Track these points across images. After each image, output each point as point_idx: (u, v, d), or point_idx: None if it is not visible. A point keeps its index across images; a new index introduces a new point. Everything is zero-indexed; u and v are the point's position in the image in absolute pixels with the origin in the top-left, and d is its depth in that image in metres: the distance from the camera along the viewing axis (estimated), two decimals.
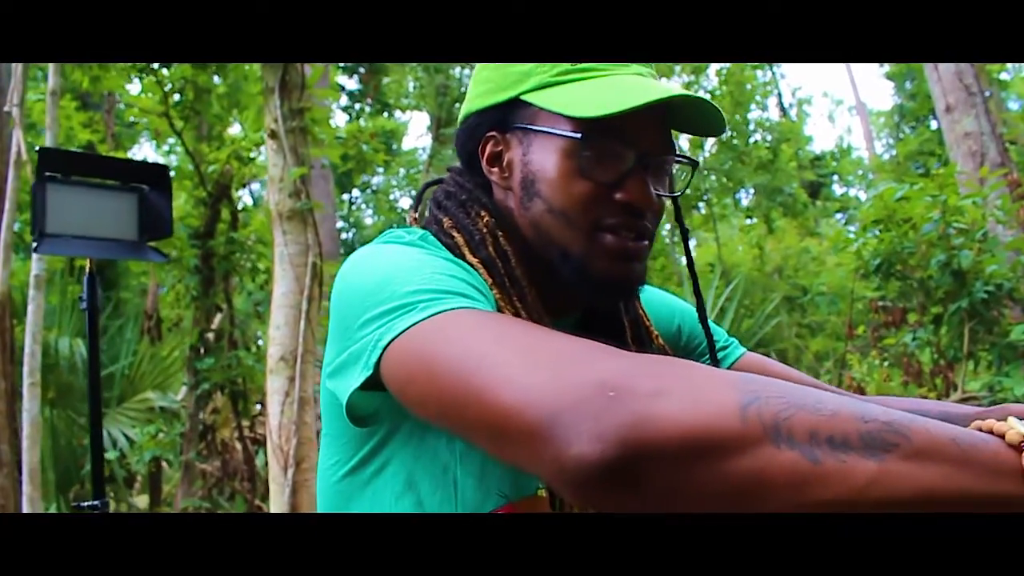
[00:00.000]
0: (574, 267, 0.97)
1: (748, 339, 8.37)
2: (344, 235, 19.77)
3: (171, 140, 7.57)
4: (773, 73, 19.25)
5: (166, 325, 6.96)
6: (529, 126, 0.99)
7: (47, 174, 2.09)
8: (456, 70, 15.53)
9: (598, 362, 0.66)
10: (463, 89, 15.59)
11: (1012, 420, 0.65)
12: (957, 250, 3.84)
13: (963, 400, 4.12)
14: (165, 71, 5.23)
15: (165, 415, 6.24)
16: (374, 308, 0.82)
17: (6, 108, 4.14)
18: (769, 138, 16.03)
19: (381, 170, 19.44)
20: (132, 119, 6.25)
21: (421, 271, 0.85)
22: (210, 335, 5.77)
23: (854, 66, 25.87)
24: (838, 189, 21.03)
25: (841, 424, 0.58)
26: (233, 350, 5.70)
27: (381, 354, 0.79)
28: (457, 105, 14.16)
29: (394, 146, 19.12)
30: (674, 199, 1.11)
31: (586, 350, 0.70)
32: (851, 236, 4.45)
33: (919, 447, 0.58)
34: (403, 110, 18.69)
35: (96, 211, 2.17)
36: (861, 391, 4.18)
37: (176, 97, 5.49)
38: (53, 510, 6.07)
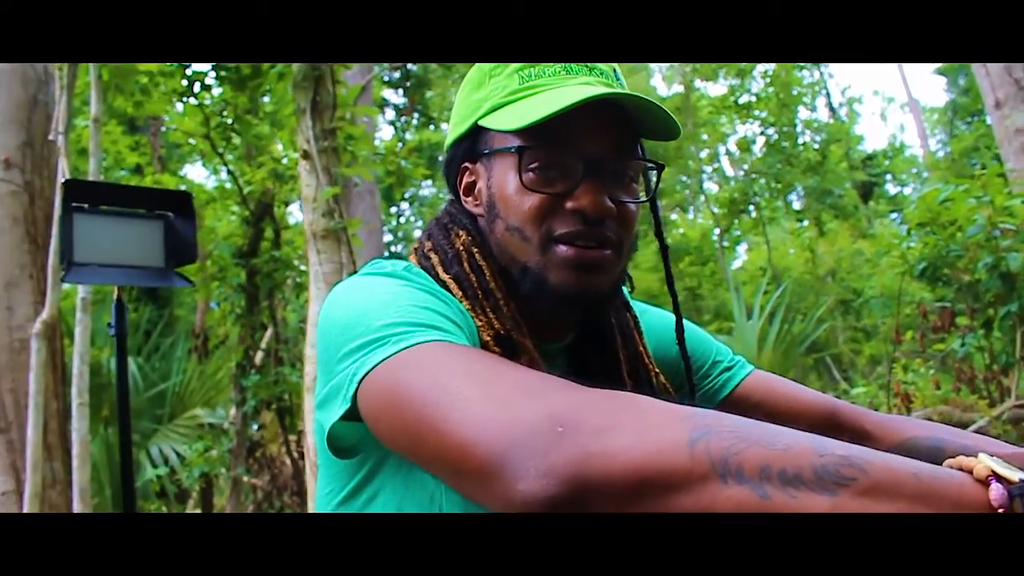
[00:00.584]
0: (532, 280, 0.97)
1: (799, 343, 8.22)
2: (393, 248, 19.93)
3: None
4: (821, 73, 18.94)
5: (213, 342, 7.09)
6: (488, 150, 1.01)
7: (73, 204, 2.14)
8: None
9: (550, 396, 0.67)
10: None
11: (983, 456, 0.63)
12: (1005, 252, 3.72)
13: (1017, 407, 3.98)
14: (207, 93, 5.33)
15: (215, 431, 6.35)
16: (351, 342, 0.83)
17: (51, 136, 4.25)
18: (818, 139, 15.80)
19: (429, 182, 19.57)
20: (177, 142, 6.38)
21: (396, 303, 0.86)
22: (259, 352, 5.86)
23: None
24: (892, 189, 20.61)
25: (794, 459, 0.57)
26: (279, 367, 5.77)
27: (357, 388, 0.80)
28: None
29: (441, 157, 19.22)
30: (653, 207, 1.10)
31: (541, 384, 0.71)
32: (895, 240, 4.34)
33: (877, 481, 0.57)
34: (448, 122, 18.79)
35: (123, 239, 2.21)
36: (908, 399, 4.08)
37: (219, 117, 5.60)
38: None
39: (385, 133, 18.80)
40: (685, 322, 1.28)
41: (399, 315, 0.83)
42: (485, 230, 1.03)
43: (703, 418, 0.61)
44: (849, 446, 0.59)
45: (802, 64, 16.76)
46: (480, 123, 1.00)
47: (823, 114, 18.67)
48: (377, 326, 0.82)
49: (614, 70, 1.05)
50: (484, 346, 0.97)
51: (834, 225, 16.09)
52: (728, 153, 16.60)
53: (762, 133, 14.79)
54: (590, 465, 0.59)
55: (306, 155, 3.82)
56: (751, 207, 15.14)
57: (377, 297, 0.89)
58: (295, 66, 3.80)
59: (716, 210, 15.28)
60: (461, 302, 0.98)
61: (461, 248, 1.03)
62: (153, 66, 4.91)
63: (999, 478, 0.59)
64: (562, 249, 0.95)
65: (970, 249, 4.07)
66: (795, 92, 15.35)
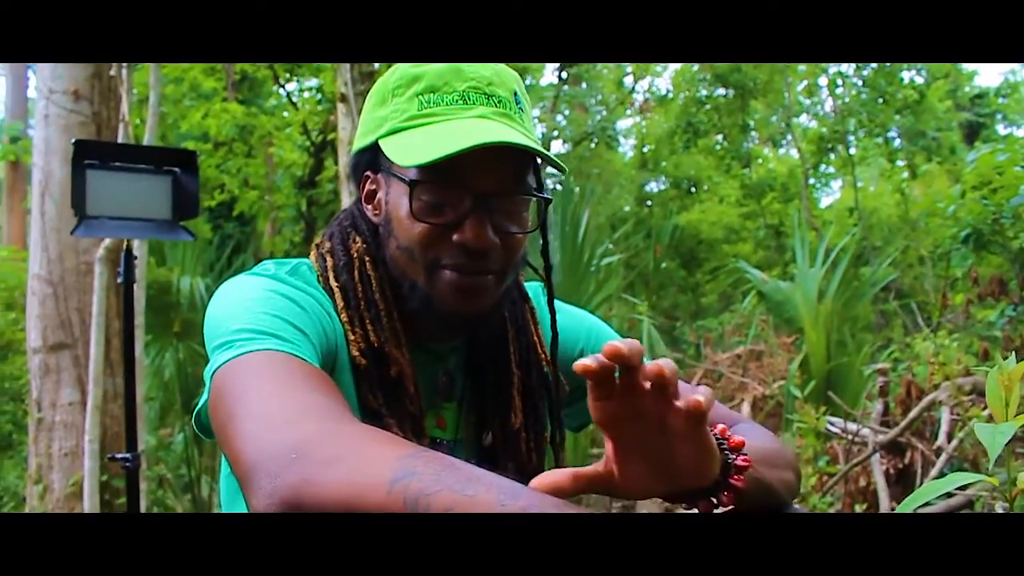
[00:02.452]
0: (419, 298, 1.07)
1: (864, 293, 8.03)
2: None
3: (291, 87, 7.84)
4: None
5: None
6: (388, 169, 1.08)
7: (86, 162, 2.30)
8: None
9: (304, 425, 0.78)
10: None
11: None
12: None
13: None
14: None
15: None
16: (214, 339, 0.96)
17: (111, 72, 4.46)
18: (921, 77, 14.99)
19: None
20: (243, 71, 6.54)
21: (253, 310, 0.98)
22: None
23: None
24: (1003, 130, 19.42)
25: (476, 506, 0.64)
26: None
27: (210, 382, 0.93)
28: None
29: (529, 80, 18.96)
30: (543, 233, 1.17)
31: (307, 412, 0.82)
32: (940, 204, 4.20)
33: None
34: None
35: (133, 193, 2.37)
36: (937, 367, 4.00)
37: None
38: (179, 431, 6.67)
39: None
40: (596, 323, 1.35)
41: (250, 321, 0.95)
42: (380, 238, 1.12)
43: (415, 460, 0.69)
44: (534, 497, 0.66)
45: None
46: (380, 143, 1.07)
47: None
48: (231, 330, 0.94)
49: (514, 93, 1.09)
50: (352, 359, 1.07)
51: (931, 167, 15.38)
52: (831, 83, 15.89)
53: (857, 68, 14.10)
54: (305, 492, 0.70)
55: (343, 98, 3.92)
56: (841, 146, 14.58)
57: (240, 301, 1.00)
58: None
59: (804, 147, 14.79)
60: (341, 314, 1.08)
61: (355, 255, 1.12)
62: None
63: None
64: (447, 274, 1.04)
65: (1020, 217, 3.92)
66: None
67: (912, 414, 3.96)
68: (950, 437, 3.78)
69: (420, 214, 1.03)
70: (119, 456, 2.32)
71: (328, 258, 1.13)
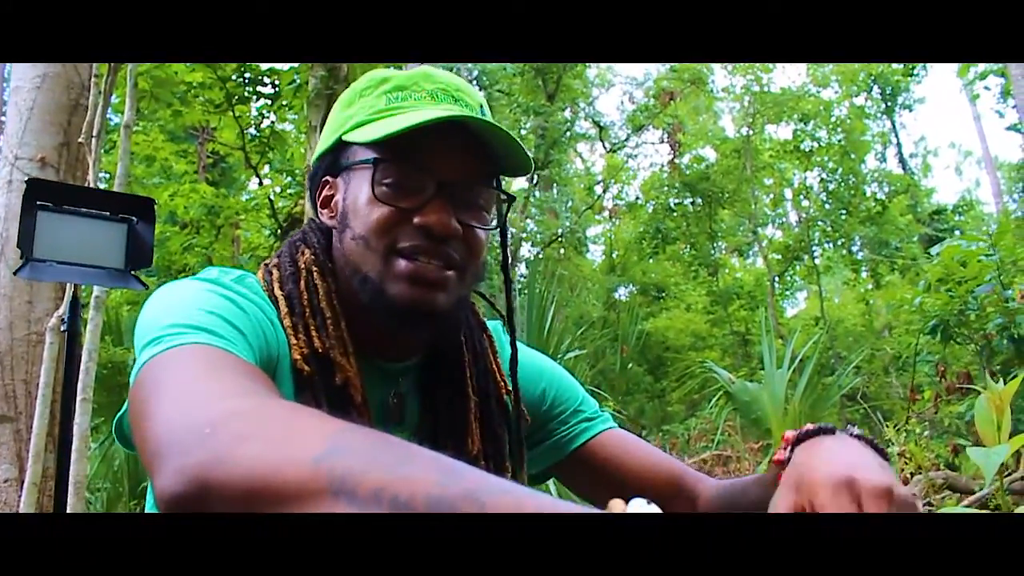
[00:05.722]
0: (371, 290, 0.99)
1: (831, 396, 8.02)
2: None
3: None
4: (892, 122, 18.59)
5: None
6: (347, 163, 1.04)
7: (38, 203, 2.22)
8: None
9: (223, 403, 0.70)
10: (567, 132, 15.69)
11: (636, 502, 0.62)
12: (1013, 314, 3.58)
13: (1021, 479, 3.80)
14: (243, 107, 5.48)
15: None
16: (145, 336, 0.87)
17: (80, 139, 4.41)
18: (883, 190, 15.48)
19: None
20: (220, 152, 6.53)
21: (187, 307, 0.90)
22: None
23: (985, 117, 24.73)
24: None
25: (411, 486, 0.54)
26: None
27: (134, 380, 0.83)
28: (551, 152, 14.26)
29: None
30: (503, 236, 1.11)
31: (231, 391, 0.74)
32: (907, 296, 4.22)
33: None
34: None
35: (85, 239, 2.28)
36: (907, 460, 3.93)
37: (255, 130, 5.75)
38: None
39: None
40: (560, 368, 1.30)
41: (183, 318, 0.87)
42: (336, 243, 1.06)
43: (343, 436, 0.60)
44: (491, 480, 0.57)
45: (869, 113, 16.51)
46: (344, 138, 1.03)
47: (893, 164, 18.31)
48: (163, 325, 0.86)
49: (480, 105, 1.07)
50: (294, 364, 0.98)
51: (893, 278, 15.72)
52: (795, 197, 16.36)
53: (822, 180, 14.55)
54: (215, 468, 0.61)
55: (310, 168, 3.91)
56: (806, 255, 14.89)
57: (176, 299, 0.92)
58: (309, 84, 3.88)
59: (771, 256, 15.06)
60: (284, 320, 1.00)
61: (302, 266, 1.05)
62: (195, 76, 5.06)
63: None
64: (402, 263, 0.97)
65: (985, 308, 3.94)
66: (866, 137, 15.14)
67: None
68: None
69: (382, 196, 0.98)
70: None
71: (275, 271, 1.07)
